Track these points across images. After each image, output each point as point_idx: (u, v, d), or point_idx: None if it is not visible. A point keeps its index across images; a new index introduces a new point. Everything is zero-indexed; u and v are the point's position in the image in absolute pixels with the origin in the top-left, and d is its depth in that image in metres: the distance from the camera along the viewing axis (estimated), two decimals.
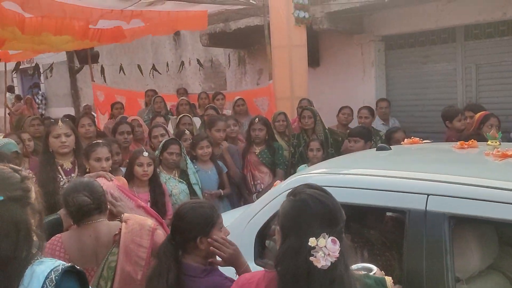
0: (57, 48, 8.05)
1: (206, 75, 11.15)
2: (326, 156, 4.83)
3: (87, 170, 3.62)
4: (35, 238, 1.76)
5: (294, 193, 1.80)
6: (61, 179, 3.72)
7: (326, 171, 2.81)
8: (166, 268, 2.16)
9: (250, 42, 9.12)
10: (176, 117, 6.74)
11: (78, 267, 1.70)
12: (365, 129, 4.89)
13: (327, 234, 1.64)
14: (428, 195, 2.28)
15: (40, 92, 15.81)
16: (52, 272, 1.61)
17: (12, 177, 1.73)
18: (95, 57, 10.28)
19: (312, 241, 1.63)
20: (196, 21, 7.24)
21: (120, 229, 2.53)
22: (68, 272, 1.66)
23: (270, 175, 5.07)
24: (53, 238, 2.53)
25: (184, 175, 4.57)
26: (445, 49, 7.50)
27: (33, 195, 1.79)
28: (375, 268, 2.31)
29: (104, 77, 9.93)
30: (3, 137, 4.92)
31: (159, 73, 10.23)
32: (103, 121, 9.85)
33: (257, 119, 5.10)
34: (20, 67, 13.19)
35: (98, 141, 3.71)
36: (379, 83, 8.18)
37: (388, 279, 2.03)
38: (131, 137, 4.99)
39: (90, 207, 2.47)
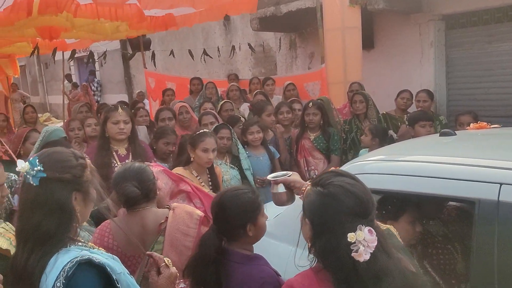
0: (112, 37, 8.15)
1: (256, 60, 11.02)
2: (380, 143, 4.60)
3: (192, 160, 3.58)
4: (76, 224, 1.73)
5: (322, 184, 1.69)
6: (116, 165, 3.74)
7: (386, 158, 2.63)
8: (211, 256, 2.08)
9: (301, 26, 8.90)
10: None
11: (97, 261, 1.64)
12: (427, 113, 4.59)
13: (363, 225, 1.56)
14: (501, 184, 2.07)
15: (96, 80, 16.27)
16: (68, 264, 1.59)
17: (67, 160, 1.76)
18: (147, 44, 10.38)
19: (351, 237, 1.55)
20: (246, 4, 7.09)
21: (167, 217, 2.48)
22: (85, 265, 1.62)
23: (325, 162, 4.91)
24: (102, 224, 2.52)
25: (235, 161, 4.50)
26: None
27: (86, 183, 1.76)
28: (290, 172, 2.54)
29: (154, 62, 9.97)
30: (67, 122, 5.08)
31: (210, 57, 10.17)
32: (155, 108, 9.96)
33: (311, 103, 4.94)
34: (76, 55, 13.62)
35: (205, 130, 3.60)
36: (439, 65, 7.75)
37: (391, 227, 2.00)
38: (173, 122, 4.96)
39: (137, 197, 2.43)
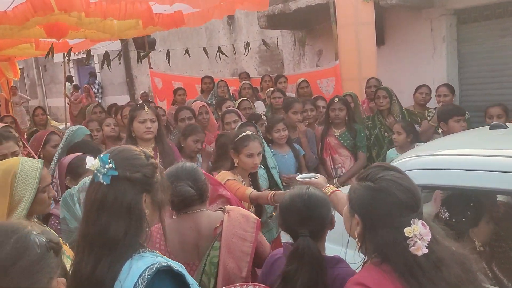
0: (119, 35, 8.02)
1: (262, 59, 10.93)
2: (412, 140, 4.52)
3: (235, 164, 3.42)
4: (147, 229, 1.64)
5: (371, 179, 1.64)
6: None
7: (443, 152, 2.54)
8: (310, 263, 1.95)
9: (310, 23, 8.81)
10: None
11: (176, 268, 1.55)
12: (460, 108, 4.50)
13: (416, 219, 1.55)
14: None
15: (97, 81, 16.10)
16: (147, 271, 1.50)
17: (138, 159, 1.66)
18: (152, 44, 10.28)
19: (408, 231, 1.53)
20: (258, 1, 6.99)
21: (222, 221, 2.32)
22: (163, 272, 1.53)
23: (352, 159, 4.80)
24: (152, 228, 2.39)
25: (261, 159, 4.39)
26: None
27: (156, 184, 1.67)
28: (317, 175, 2.62)
29: (169, 60, 9.83)
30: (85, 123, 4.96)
31: (226, 56, 10.07)
32: (162, 107, 9.86)
33: (336, 98, 4.83)
34: (75, 57, 13.42)
35: (248, 133, 3.41)
36: (451, 60, 7.69)
37: None
38: (192, 122, 4.84)
39: (193, 198, 2.30)
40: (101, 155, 1.66)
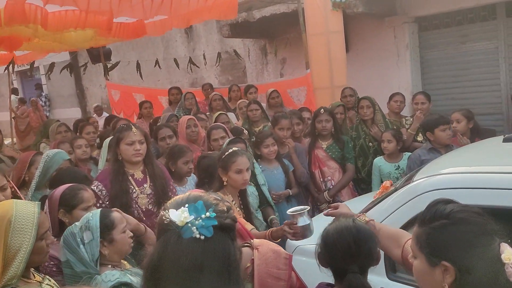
0: (77, 46, 7.60)
1: (223, 68, 10.75)
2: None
3: (225, 183, 3.21)
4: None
5: (442, 216, 1.49)
6: (134, 190, 3.36)
7: (468, 170, 2.47)
8: None
9: (273, 31, 8.75)
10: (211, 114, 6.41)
11: None
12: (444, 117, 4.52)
13: (502, 242, 1.42)
14: None
15: (43, 94, 15.29)
16: None
17: (218, 204, 1.38)
18: (107, 55, 9.83)
19: (506, 258, 1.38)
20: (226, 9, 6.82)
21: (253, 259, 2.11)
22: None
23: (340, 171, 4.71)
24: None
25: (251, 176, 4.22)
26: (486, 27, 7.20)
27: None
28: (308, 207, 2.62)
29: (140, 73, 9.44)
30: (55, 145, 4.59)
31: (197, 66, 9.82)
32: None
33: (322, 110, 4.71)
34: (19, 68, 12.61)
35: (234, 149, 3.24)
36: (414, 66, 7.86)
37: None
38: (173, 140, 4.58)
39: None
40: (194, 204, 1.34)
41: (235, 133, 4.79)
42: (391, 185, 3.02)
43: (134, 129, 3.32)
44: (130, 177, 3.37)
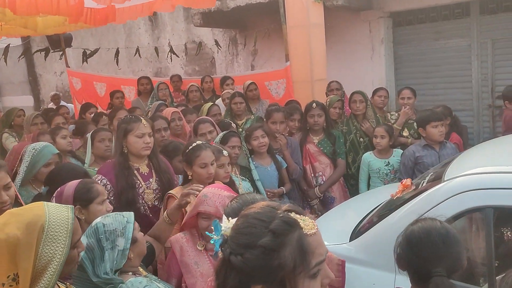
0: (42, 32, 7.07)
1: (189, 58, 10.40)
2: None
3: (189, 177, 3.09)
4: None
5: None
6: (140, 185, 3.12)
7: (505, 170, 2.40)
8: None
9: (247, 22, 8.53)
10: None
11: None
12: (437, 113, 4.50)
13: None
14: None
15: None
16: None
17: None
18: (68, 41, 9.29)
19: None
20: None
21: None
22: None
23: (331, 166, 4.61)
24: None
25: (245, 172, 4.05)
26: (459, 24, 7.30)
27: None
28: None
29: (86, 59, 8.94)
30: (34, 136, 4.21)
31: (177, 56, 9.42)
32: None
33: (314, 104, 4.59)
34: None
35: (198, 142, 3.10)
36: (389, 61, 7.89)
37: None
38: (168, 133, 4.33)
39: None
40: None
41: (222, 127, 4.57)
42: (411, 183, 2.92)
43: (143, 120, 3.10)
44: (135, 171, 3.14)
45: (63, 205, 1.80)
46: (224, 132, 4.02)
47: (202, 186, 2.65)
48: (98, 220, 2.13)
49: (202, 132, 4.24)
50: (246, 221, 1.22)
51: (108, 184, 3.10)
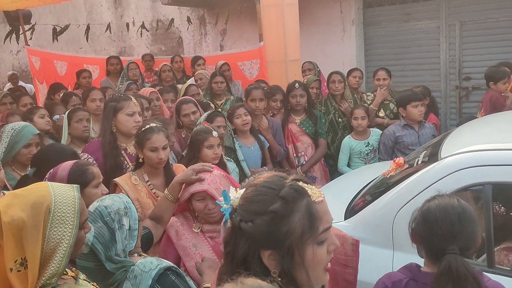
0: (2, 8, 6.66)
1: (155, 37, 10.13)
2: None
3: (140, 160, 2.94)
4: None
5: None
6: (127, 166, 3.01)
7: (502, 147, 2.44)
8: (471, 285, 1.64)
9: (216, 1, 8.35)
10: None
11: None
12: (417, 93, 4.55)
13: None
14: None
15: None
16: None
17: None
18: (27, 18, 8.81)
19: None
20: None
21: None
22: None
23: (313, 146, 4.60)
24: None
25: (230, 152, 3.98)
26: (428, 6, 7.40)
27: None
28: None
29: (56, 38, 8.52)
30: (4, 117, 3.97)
31: (147, 30, 9.06)
32: (42, 91, 8.59)
33: (297, 84, 4.55)
34: None
35: (152, 125, 2.93)
36: (359, 43, 7.93)
37: None
38: (150, 113, 4.18)
39: None
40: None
41: (203, 107, 4.47)
42: (404, 162, 2.94)
43: (133, 99, 2.97)
44: (123, 152, 3.02)
45: (68, 185, 1.69)
46: (209, 112, 3.93)
47: (213, 166, 2.54)
48: (95, 204, 2.02)
49: (185, 113, 4.13)
50: (256, 189, 1.26)
51: (94, 163, 2.97)
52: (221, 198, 2.56)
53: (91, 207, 2.01)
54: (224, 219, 1.32)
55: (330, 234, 1.27)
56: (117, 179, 2.83)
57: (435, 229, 1.75)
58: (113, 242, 1.90)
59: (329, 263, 1.29)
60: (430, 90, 5.84)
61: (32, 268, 1.51)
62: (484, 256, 2.32)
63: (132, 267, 1.91)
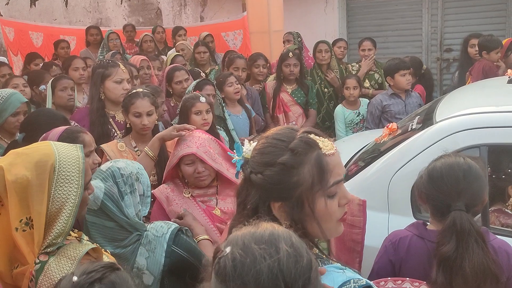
0: None
1: (132, 8, 9.86)
2: None
3: (127, 125, 2.90)
4: None
5: None
6: (115, 134, 2.95)
7: (495, 110, 2.48)
8: (475, 241, 1.65)
9: None
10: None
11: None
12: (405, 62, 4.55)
13: None
14: None
15: None
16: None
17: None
18: None
19: None
20: None
21: None
22: None
23: (303, 116, 4.60)
24: None
25: (220, 121, 3.94)
26: None
27: None
28: None
29: None
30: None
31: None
32: (17, 63, 8.31)
33: (290, 53, 4.51)
34: None
35: (138, 90, 2.87)
36: (342, 14, 7.90)
37: None
38: (138, 81, 4.11)
39: None
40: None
41: (192, 76, 4.40)
42: (397, 127, 2.96)
43: (121, 66, 2.90)
44: (111, 119, 2.95)
45: (71, 144, 1.64)
46: (198, 80, 3.87)
47: (194, 127, 2.52)
48: (109, 164, 1.97)
49: (178, 80, 4.08)
50: (266, 141, 1.26)
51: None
52: (217, 159, 2.55)
53: (103, 167, 1.96)
54: (236, 171, 1.32)
55: (342, 188, 1.26)
56: (103, 145, 2.79)
57: (440, 186, 1.76)
58: (124, 205, 1.87)
59: (344, 215, 1.28)
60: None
61: (37, 227, 1.48)
62: (479, 216, 2.37)
63: (145, 232, 1.91)
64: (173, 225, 1.95)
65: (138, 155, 2.81)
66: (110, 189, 1.85)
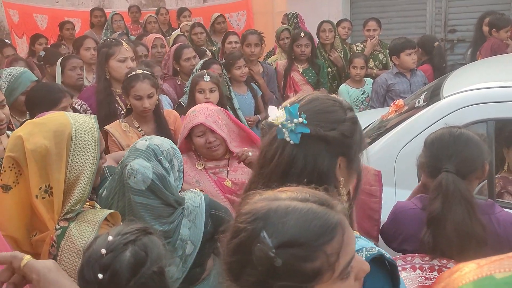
0: None
1: None
2: None
3: (128, 106, 2.90)
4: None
5: None
6: (122, 113, 2.98)
7: (502, 84, 2.50)
8: (459, 202, 1.68)
9: None
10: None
11: (388, 257, 1.19)
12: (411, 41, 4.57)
13: None
14: None
15: None
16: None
17: (334, 112, 1.27)
18: None
19: None
20: None
21: None
22: (375, 263, 1.16)
23: None
24: None
25: (226, 100, 3.97)
26: None
27: (354, 145, 1.31)
28: None
29: None
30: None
31: None
32: (21, 45, 8.33)
33: (302, 33, 4.57)
34: None
35: (137, 72, 2.83)
36: None
37: None
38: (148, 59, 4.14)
39: None
40: (289, 105, 1.23)
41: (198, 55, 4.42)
42: (404, 103, 2.98)
43: (125, 44, 2.91)
44: (117, 98, 2.98)
45: (85, 115, 1.70)
46: (204, 59, 3.89)
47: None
48: (145, 142, 1.94)
49: (186, 57, 4.10)
50: (321, 103, 1.27)
51: (88, 110, 3.01)
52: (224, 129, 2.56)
53: (140, 145, 1.93)
54: (277, 134, 1.23)
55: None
56: (107, 127, 2.79)
57: (432, 151, 1.82)
58: (170, 181, 1.91)
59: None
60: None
61: (57, 194, 1.53)
62: (482, 186, 2.41)
63: (186, 204, 1.96)
64: (202, 195, 2.02)
65: (143, 135, 2.84)
66: (157, 168, 1.87)
